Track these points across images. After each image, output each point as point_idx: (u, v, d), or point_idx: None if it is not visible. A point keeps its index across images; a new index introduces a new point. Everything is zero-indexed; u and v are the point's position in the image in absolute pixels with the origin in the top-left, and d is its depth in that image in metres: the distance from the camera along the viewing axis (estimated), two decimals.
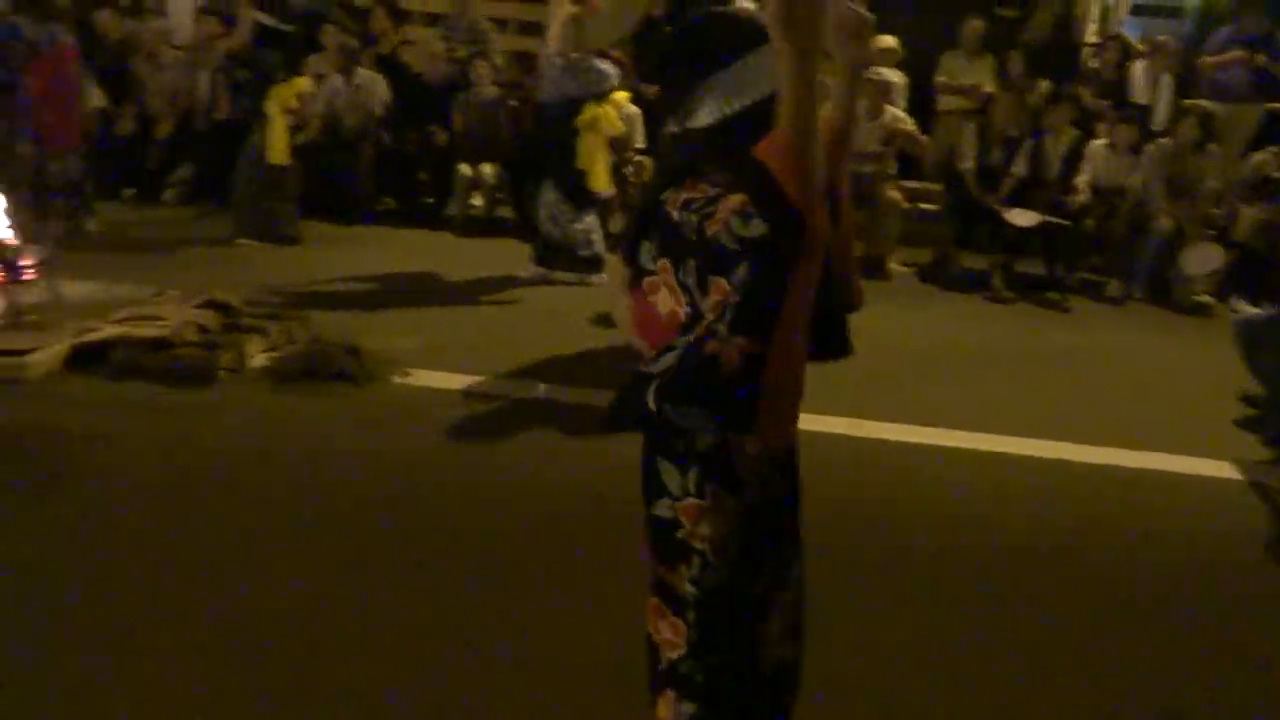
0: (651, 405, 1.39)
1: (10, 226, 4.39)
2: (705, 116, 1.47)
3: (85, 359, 4.11)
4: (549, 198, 5.70)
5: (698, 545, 1.57)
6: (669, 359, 1.40)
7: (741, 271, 1.34)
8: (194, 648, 2.45)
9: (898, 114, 6.81)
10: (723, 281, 1.37)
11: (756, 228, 1.32)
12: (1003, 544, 3.23)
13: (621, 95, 5.74)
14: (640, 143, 6.80)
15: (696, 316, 1.43)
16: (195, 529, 3.00)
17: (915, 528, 3.28)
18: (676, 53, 1.52)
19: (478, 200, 7.35)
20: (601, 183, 5.68)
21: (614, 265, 5.32)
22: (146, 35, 7.47)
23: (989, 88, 7.24)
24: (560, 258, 5.82)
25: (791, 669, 1.72)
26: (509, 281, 5.88)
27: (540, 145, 6.00)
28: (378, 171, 7.39)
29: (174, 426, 3.67)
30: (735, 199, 1.36)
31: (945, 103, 7.52)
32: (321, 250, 6.30)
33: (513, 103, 7.26)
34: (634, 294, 1.56)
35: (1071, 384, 4.84)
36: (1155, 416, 4.41)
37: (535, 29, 8.59)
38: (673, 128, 1.53)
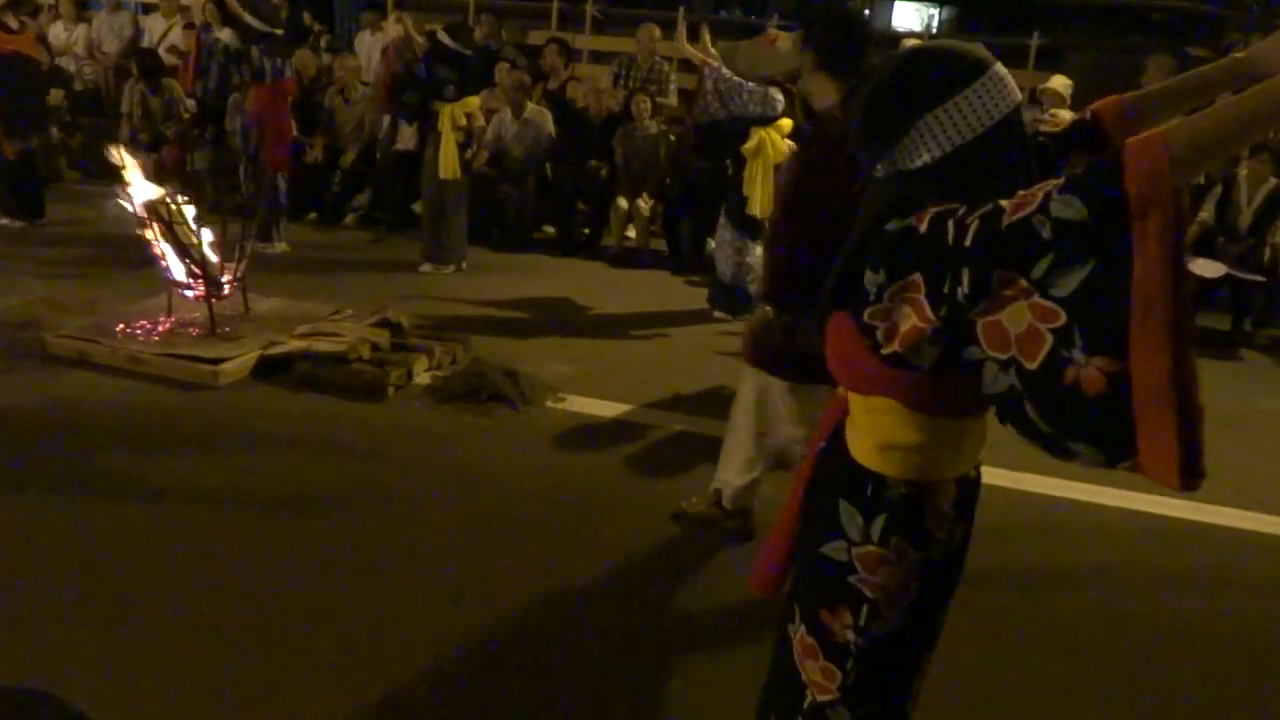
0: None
1: (213, 246, 4.80)
2: (925, 155, 1.39)
3: (271, 369, 4.44)
4: (727, 236, 5.74)
5: (869, 594, 1.52)
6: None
7: (1058, 272, 1.21)
8: (338, 642, 2.59)
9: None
10: (1021, 279, 1.24)
11: (1074, 209, 1.19)
12: (1174, 611, 3.01)
13: (786, 123, 5.74)
14: None
15: (954, 321, 1.31)
16: (353, 531, 3.18)
17: (1069, 587, 3.11)
18: (891, 89, 1.40)
19: (632, 232, 7.50)
20: (758, 207, 5.68)
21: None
22: (339, 72, 8.04)
23: None
24: (732, 301, 5.82)
25: None
26: (661, 313, 5.97)
27: (707, 165, 6.01)
28: (539, 202, 7.67)
29: (345, 435, 3.90)
30: (1049, 182, 1.24)
31: None
32: (484, 276, 6.56)
33: (672, 138, 7.39)
34: (835, 329, 1.50)
35: (1252, 449, 4.46)
36: None
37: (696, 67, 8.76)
38: (881, 170, 1.45)
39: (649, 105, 7.41)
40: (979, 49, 1.42)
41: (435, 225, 6.55)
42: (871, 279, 1.39)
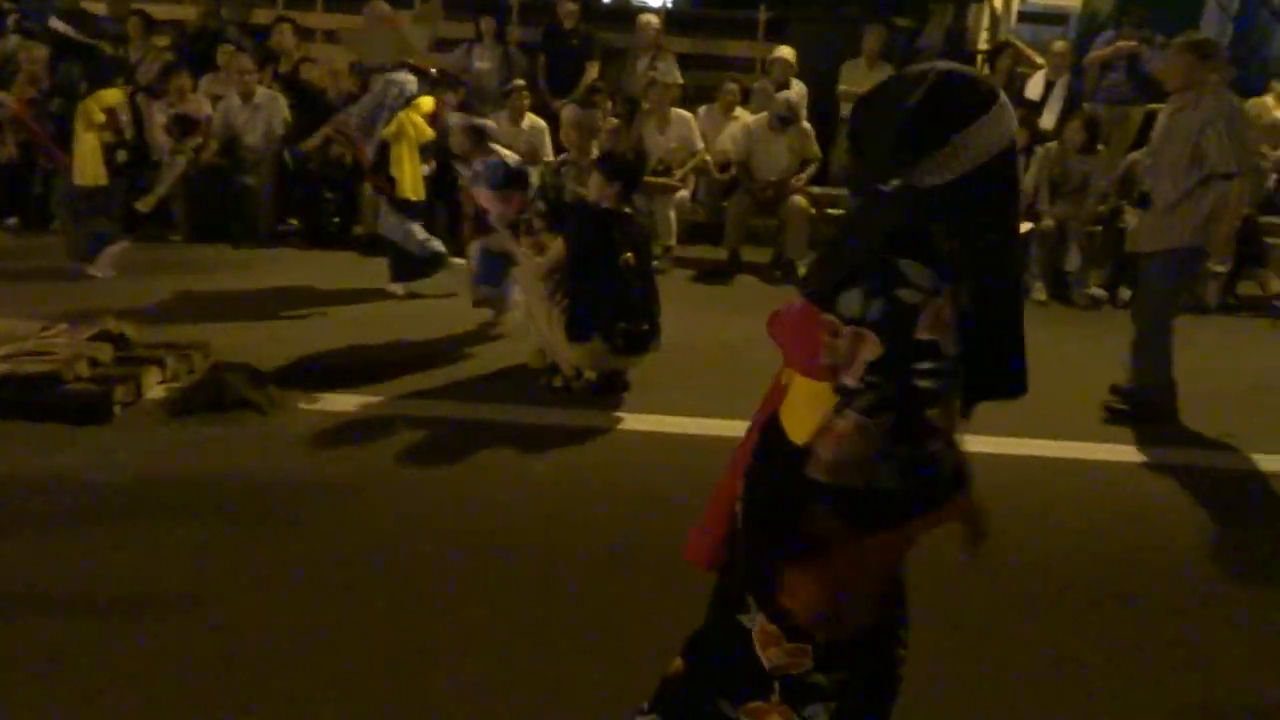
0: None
1: None
2: (937, 176, 1.45)
3: None
4: (383, 208, 5.78)
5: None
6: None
7: None
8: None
9: (805, 128, 7.03)
10: None
11: None
12: None
13: (426, 101, 5.73)
14: (549, 154, 6.80)
15: None
16: (87, 568, 2.87)
17: None
18: (927, 110, 1.45)
19: None
20: (409, 189, 5.62)
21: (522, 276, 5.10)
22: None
23: None
24: (410, 266, 5.81)
25: None
26: (417, 299, 5.82)
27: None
28: (282, 192, 7.21)
29: (68, 463, 3.50)
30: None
31: (848, 111, 7.72)
32: (222, 274, 6.11)
33: None
34: (804, 314, 1.53)
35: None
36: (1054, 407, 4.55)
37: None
38: (891, 186, 1.49)
39: None
40: (990, 80, 1.51)
41: (83, 227, 5.93)
42: (856, 300, 1.41)
